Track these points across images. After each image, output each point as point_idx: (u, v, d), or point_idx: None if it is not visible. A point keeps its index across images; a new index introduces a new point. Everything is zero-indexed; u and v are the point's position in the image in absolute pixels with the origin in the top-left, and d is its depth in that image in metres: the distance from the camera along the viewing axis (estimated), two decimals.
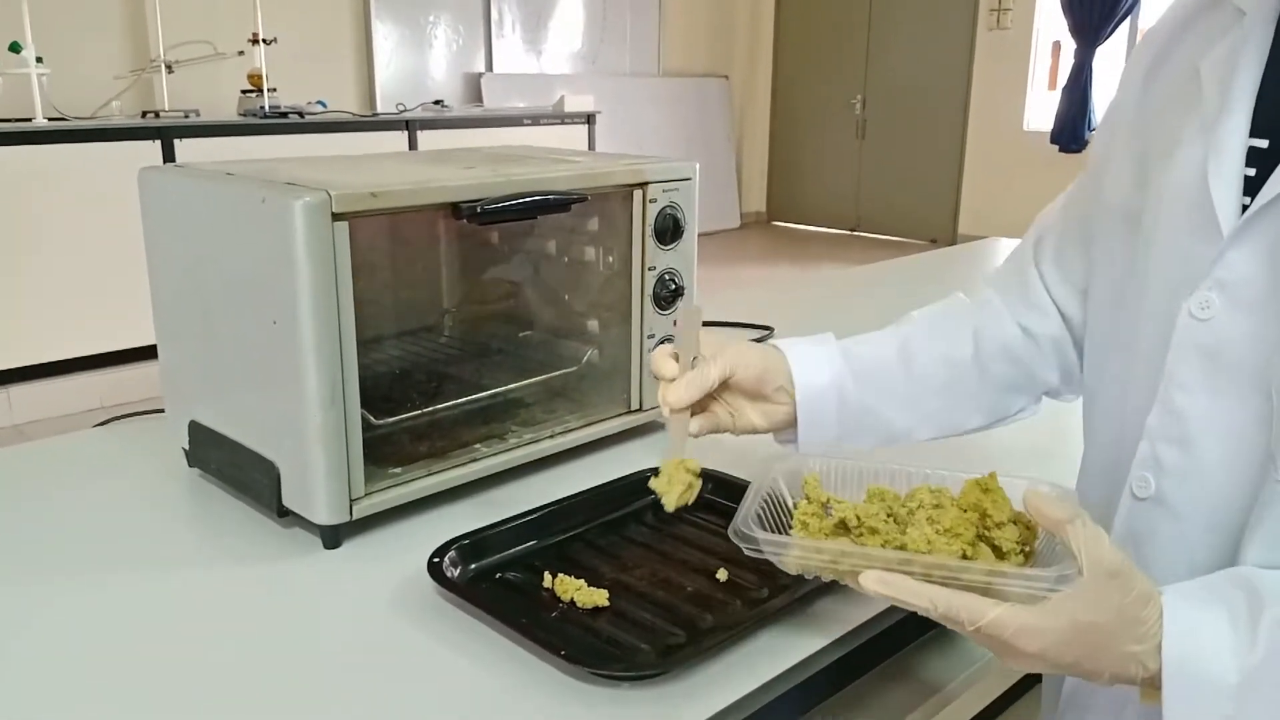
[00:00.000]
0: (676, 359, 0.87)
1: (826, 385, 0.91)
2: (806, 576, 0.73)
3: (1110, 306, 0.86)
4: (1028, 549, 0.71)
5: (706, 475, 1.03)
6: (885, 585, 0.65)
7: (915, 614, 0.79)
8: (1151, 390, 0.76)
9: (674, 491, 0.84)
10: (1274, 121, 0.71)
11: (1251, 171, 0.71)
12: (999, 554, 0.70)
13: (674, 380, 0.85)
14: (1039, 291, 0.97)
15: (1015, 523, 0.71)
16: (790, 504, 0.78)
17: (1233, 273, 0.70)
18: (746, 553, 0.72)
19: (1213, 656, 0.62)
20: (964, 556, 0.68)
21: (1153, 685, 0.64)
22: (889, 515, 0.74)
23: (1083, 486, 0.91)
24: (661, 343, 1.09)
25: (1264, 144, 0.71)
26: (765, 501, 0.77)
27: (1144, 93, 0.84)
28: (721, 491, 1.01)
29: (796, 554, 0.71)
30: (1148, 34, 0.87)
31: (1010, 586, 0.64)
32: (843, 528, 0.73)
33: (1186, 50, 0.80)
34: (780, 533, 0.75)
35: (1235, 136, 0.72)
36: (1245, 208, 0.70)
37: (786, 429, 0.92)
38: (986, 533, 0.70)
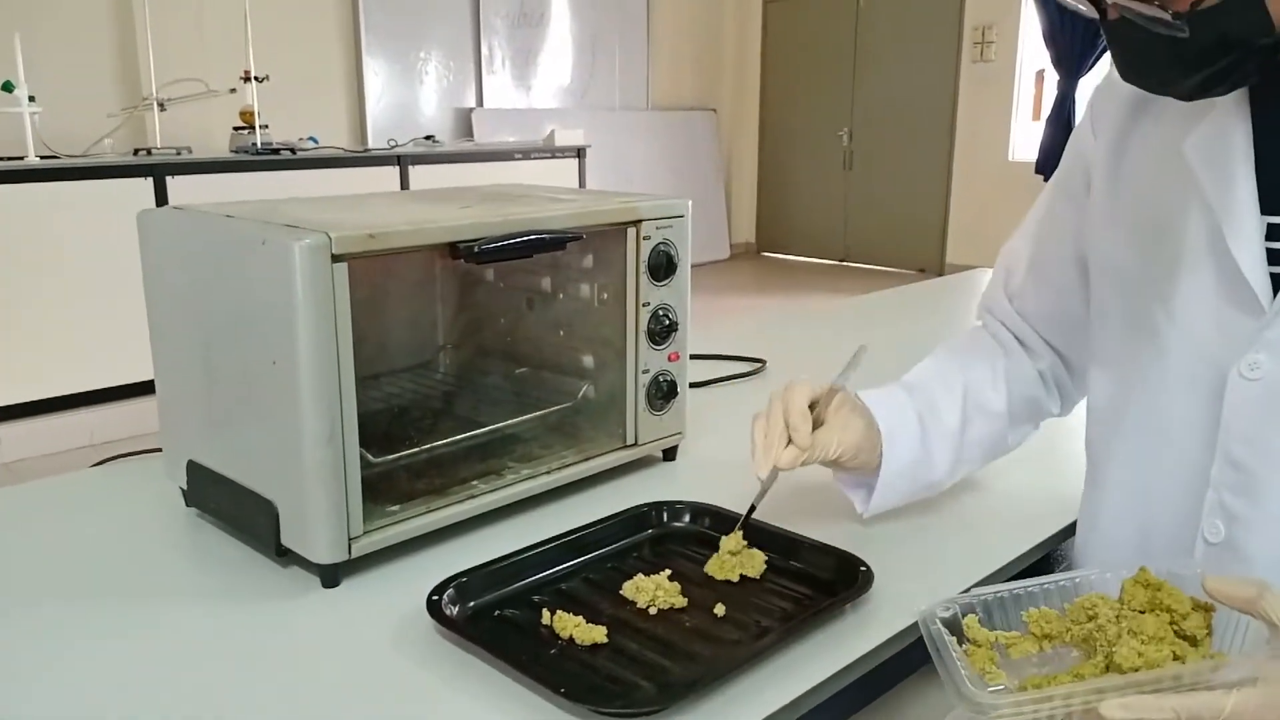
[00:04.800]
0: (812, 408, 0.96)
1: (906, 466, 1.00)
2: None
3: (1119, 364, 0.91)
4: (1209, 629, 0.72)
5: (704, 510, 1.05)
6: (1129, 710, 0.65)
7: (915, 645, 0.80)
8: (1198, 441, 0.82)
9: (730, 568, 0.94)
10: None
11: (1276, 244, 0.76)
12: (1193, 643, 0.71)
13: (790, 445, 0.94)
14: (1028, 332, 1.06)
15: (1196, 608, 0.72)
16: (955, 652, 0.75)
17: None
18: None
19: None
20: (1174, 657, 0.69)
21: None
22: (1070, 634, 0.74)
23: (1097, 520, 0.95)
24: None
25: None
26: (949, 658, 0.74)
27: (1116, 163, 0.89)
28: (719, 526, 1.02)
29: (1030, 709, 0.68)
30: (1101, 101, 0.93)
31: (1235, 674, 0.66)
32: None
33: (1154, 129, 0.86)
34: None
35: (1249, 214, 0.77)
36: (1273, 276, 0.76)
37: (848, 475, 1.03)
38: (1177, 627, 0.72)
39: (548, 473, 1.10)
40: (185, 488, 1.06)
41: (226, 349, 0.96)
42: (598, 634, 0.83)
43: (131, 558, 1.01)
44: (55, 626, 0.87)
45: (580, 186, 5.85)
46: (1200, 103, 0.80)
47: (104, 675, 0.80)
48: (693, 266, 1.20)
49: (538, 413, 1.22)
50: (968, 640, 0.77)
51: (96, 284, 4.05)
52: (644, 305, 1.15)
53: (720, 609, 0.88)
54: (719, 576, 0.94)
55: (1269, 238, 0.76)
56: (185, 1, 5.30)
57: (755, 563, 0.95)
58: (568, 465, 1.12)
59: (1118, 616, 0.73)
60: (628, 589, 0.90)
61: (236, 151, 4.73)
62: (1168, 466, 0.86)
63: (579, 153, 5.91)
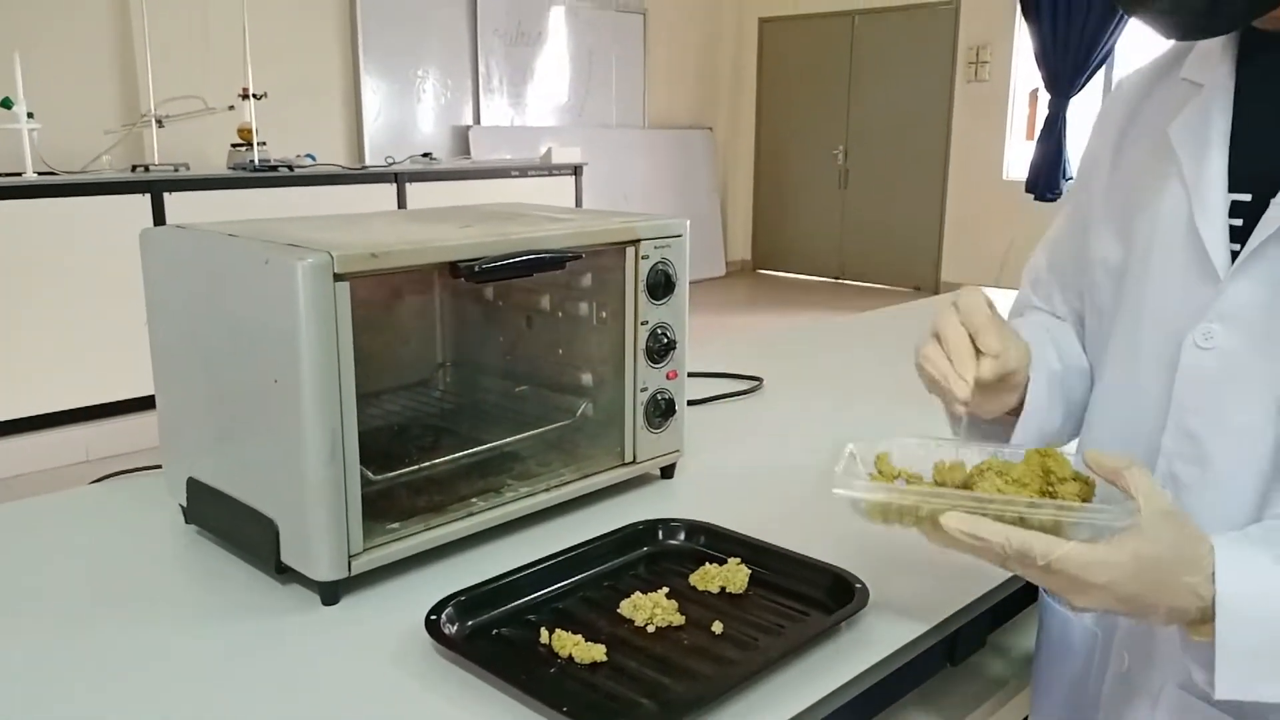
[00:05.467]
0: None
1: (1044, 400, 0.92)
2: (885, 525, 0.78)
3: (1103, 345, 0.93)
4: (1087, 504, 0.75)
5: (701, 528, 1.05)
6: (966, 523, 0.71)
7: (911, 663, 0.80)
8: (1157, 413, 0.84)
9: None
10: (1251, 177, 0.80)
11: (1238, 222, 0.80)
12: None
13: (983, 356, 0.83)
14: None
15: (1075, 479, 0.76)
16: (847, 464, 0.82)
17: (1233, 305, 0.78)
18: (838, 494, 0.77)
19: (1261, 583, 0.69)
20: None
21: (1203, 619, 0.70)
22: (961, 486, 0.79)
23: None
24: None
25: (1247, 197, 0.80)
26: (848, 463, 0.82)
27: (1116, 158, 0.93)
28: (715, 544, 1.03)
29: (881, 498, 0.76)
30: (1109, 103, 0.96)
31: (1078, 519, 0.71)
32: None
33: (1150, 119, 0.90)
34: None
35: (1216, 192, 0.81)
36: (1234, 254, 0.79)
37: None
38: (1050, 489, 0.76)
39: (546, 490, 1.11)
40: (185, 505, 1.07)
41: (228, 367, 0.97)
42: (596, 652, 0.83)
43: (130, 574, 1.01)
44: (52, 643, 0.87)
45: (577, 204, 5.88)
46: (1188, 90, 0.85)
47: (101, 692, 0.80)
48: (689, 284, 1.21)
49: (536, 430, 1.22)
50: (875, 470, 0.83)
51: (94, 300, 4.05)
52: (642, 324, 1.16)
53: (718, 626, 0.88)
54: (700, 587, 0.96)
55: (1233, 214, 0.80)
56: (184, 19, 5.33)
57: (739, 578, 0.96)
58: (566, 483, 1.13)
59: (1002, 471, 0.77)
60: (625, 607, 0.91)
61: (234, 168, 4.75)
62: (1127, 441, 0.87)
63: (576, 170, 5.94)
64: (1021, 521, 0.71)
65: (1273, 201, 0.76)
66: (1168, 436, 0.82)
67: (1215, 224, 0.80)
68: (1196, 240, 0.81)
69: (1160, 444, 0.83)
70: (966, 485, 0.78)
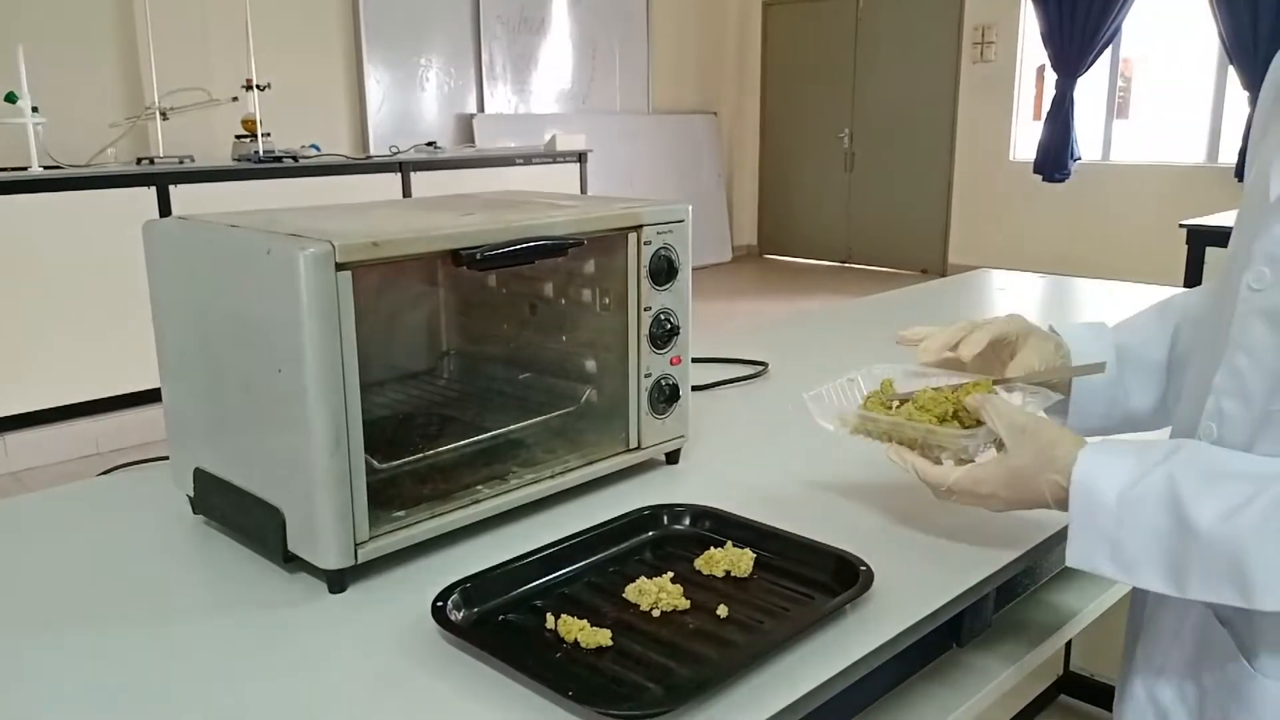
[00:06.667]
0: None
1: (1100, 387, 1.06)
2: (842, 432, 1.03)
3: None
4: (948, 429, 0.97)
5: (706, 513, 1.06)
6: (895, 454, 0.98)
7: (917, 645, 0.81)
8: (1214, 357, 0.86)
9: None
10: None
11: None
12: (964, 426, 0.96)
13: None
14: None
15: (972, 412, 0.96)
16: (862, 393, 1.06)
17: (1276, 245, 0.79)
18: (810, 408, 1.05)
19: (1104, 483, 0.83)
20: (955, 414, 0.97)
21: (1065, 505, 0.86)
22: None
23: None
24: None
25: None
26: (845, 385, 1.08)
27: (1266, 123, 0.92)
28: (720, 529, 1.03)
29: (831, 425, 1.03)
30: (1271, 70, 0.95)
31: (940, 441, 0.95)
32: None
33: None
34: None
35: None
36: None
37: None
38: (952, 418, 0.97)
39: (551, 477, 1.11)
40: (192, 495, 1.07)
41: (232, 357, 0.97)
42: (602, 637, 0.83)
43: (138, 565, 1.02)
44: (62, 635, 0.88)
45: (582, 191, 5.87)
46: None
47: (110, 681, 0.81)
48: (695, 269, 1.21)
49: (541, 417, 1.22)
50: (880, 390, 1.04)
51: (101, 293, 4.07)
52: (645, 310, 1.16)
53: (723, 610, 0.88)
54: (705, 571, 0.96)
55: None
56: (187, 10, 5.32)
57: (744, 562, 0.96)
58: (571, 469, 1.13)
59: (920, 403, 0.99)
60: (630, 592, 0.91)
61: (239, 160, 4.75)
62: (1190, 383, 0.91)
63: (580, 157, 5.92)
64: (917, 442, 0.96)
65: None
66: (1219, 375, 0.85)
67: None
68: (1269, 176, 0.81)
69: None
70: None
